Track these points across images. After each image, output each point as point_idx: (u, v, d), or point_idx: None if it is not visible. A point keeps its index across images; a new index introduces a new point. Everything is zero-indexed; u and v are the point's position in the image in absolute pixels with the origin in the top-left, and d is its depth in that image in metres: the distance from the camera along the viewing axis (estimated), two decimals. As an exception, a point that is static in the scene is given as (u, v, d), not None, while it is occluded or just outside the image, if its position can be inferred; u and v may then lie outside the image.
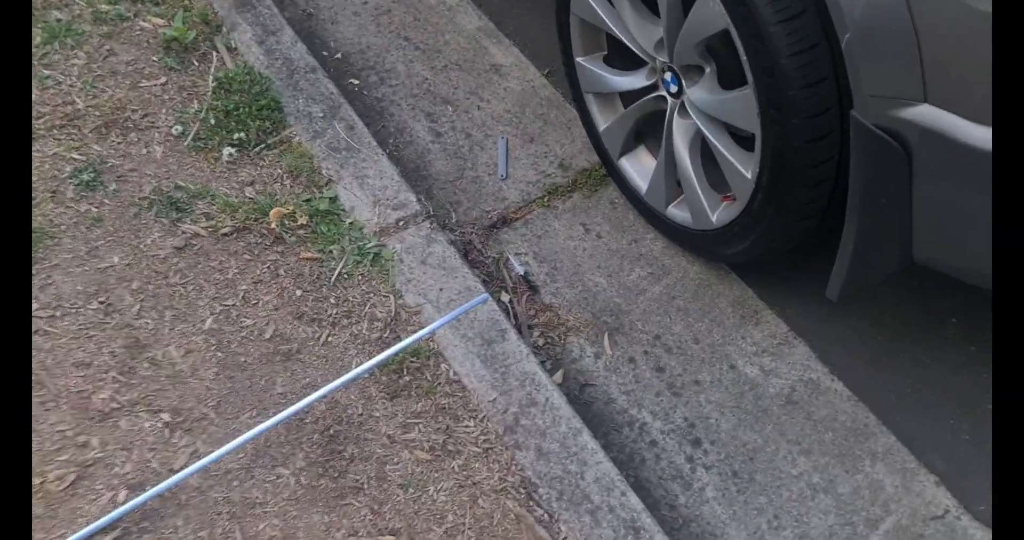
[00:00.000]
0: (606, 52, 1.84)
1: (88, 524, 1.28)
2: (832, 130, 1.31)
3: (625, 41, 1.67)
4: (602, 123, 1.92)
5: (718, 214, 1.69)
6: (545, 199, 2.07)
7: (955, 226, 1.28)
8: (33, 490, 1.32)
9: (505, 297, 1.91)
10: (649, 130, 1.88)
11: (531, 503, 1.45)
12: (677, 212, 1.84)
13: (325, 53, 2.40)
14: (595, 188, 2.08)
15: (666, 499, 1.65)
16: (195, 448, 1.41)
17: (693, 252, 1.91)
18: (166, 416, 1.43)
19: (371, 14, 2.49)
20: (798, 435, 1.72)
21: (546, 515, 1.44)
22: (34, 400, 1.42)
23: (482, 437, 1.53)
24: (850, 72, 1.17)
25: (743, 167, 1.52)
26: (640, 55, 1.67)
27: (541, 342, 1.86)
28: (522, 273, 1.95)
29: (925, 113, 1.15)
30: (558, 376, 1.80)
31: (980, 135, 1.12)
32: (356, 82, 2.33)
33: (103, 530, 1.28)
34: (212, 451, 1.38)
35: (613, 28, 1.68)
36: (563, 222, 2.03)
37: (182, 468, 1.36)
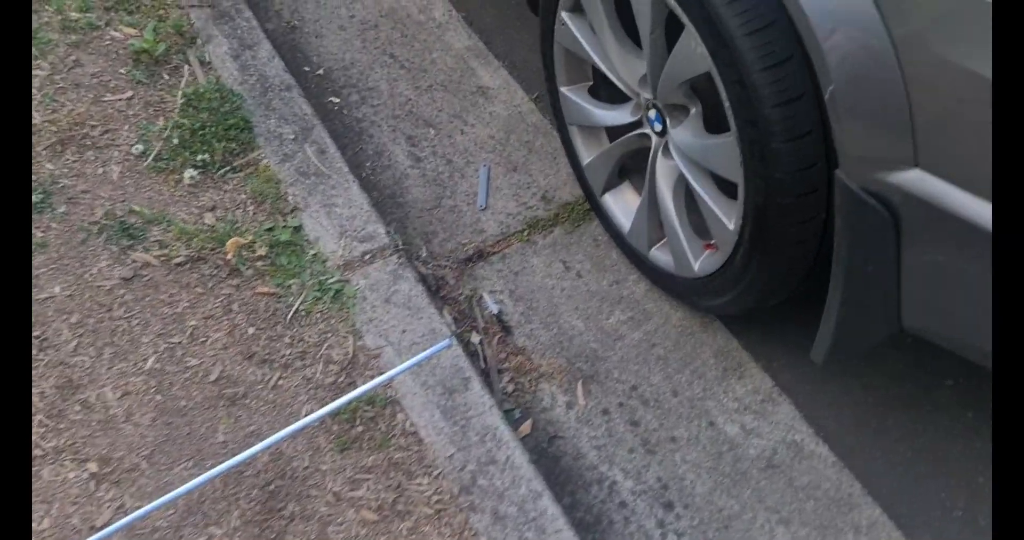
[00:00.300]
0: (591, 82, 1.75)
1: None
2: (818, 187, 1.22)
3: (609, 74, 1.59)
4: (586, 157, 1.83)
5: (700, 262, 1.60)
6: (525, 233, 1.98)
7: (947, 298, 1.18)
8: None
9: (476, 338, 1.82)
10: (634, 166, 1.79)
11: (482, 573, 1.36)
12: (660, 255, 1.75)
13: (307, 68, 2.32)
14: (578, 223, 1.99)
15: (633, 567, 1.56)
16: (122, 502, 1.32)
17: (676, 298, 1.82)
18: (93, 466, 1.35)
19: (357, 29, 2.41)
20: (778, 502, 1.62)
21: (497, 587, 1.35)
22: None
23: (435, 497, 1.44)
24: (834, 129, 1.08)
25: (726, 217, 1.43)
26: (624, 90, 1.59)
27: (511, 388, 1.77)
28: (495, 312, 1.86)
29: (916, 179, 1.05)
30: (526, 426, 1.71)
31: (976, 208, 1.02)
32: (337, 100, 2.25)
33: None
34: (140, 506, 1.30)
35: (597, 60, 1.59)
36: (542, 258, 1.94)
37: (105, 526, 1.28)
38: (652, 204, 1.66)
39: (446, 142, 2.14)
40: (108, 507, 1.32)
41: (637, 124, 1.63)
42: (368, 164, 2.11)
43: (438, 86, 2.26)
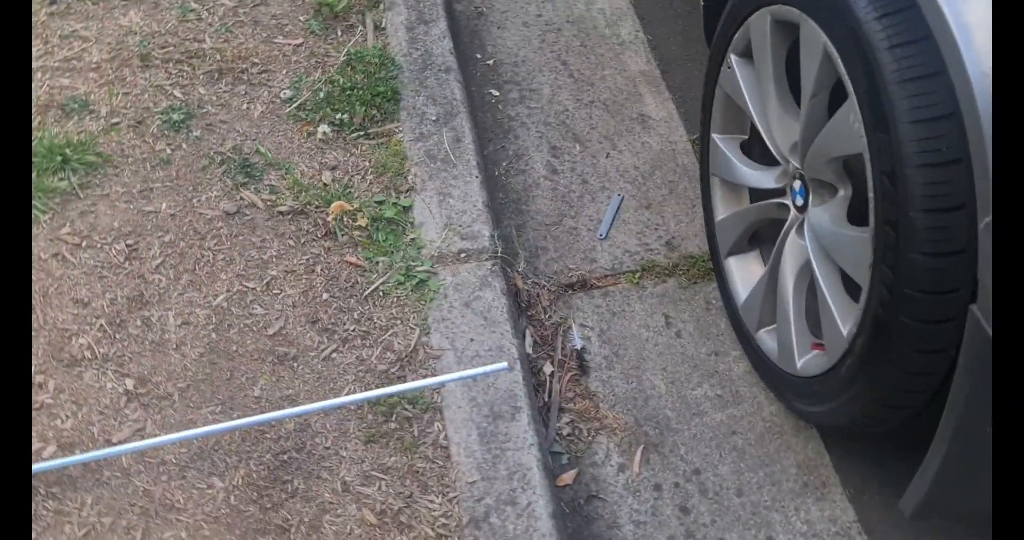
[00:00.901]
0: (746, 137, 1.64)
1: None
2: (953, 318, 1.07)
3: (762, 132, 1.47)
4: (720, 213, 1.71)
5: (804, 361, 1.45)
6: (637, 275, 1.89)
7: None
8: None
9: (548, 368, 1.75)
10: (767, 237, 1.66)
11: (460, 614, 1.30)
12: (767, 339, 1.61)
13: (479, 56, 2.32)
14: (695, 280, 1.87)
15: None
16: (143, 425, 1.35)
17: (772, 391, 1.67)
18: (130, 383, 1.39)
19: (540, 28, 2.39)
20: None
21: (470, 634, 1.28)
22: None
23: (442, 520, 1.38)
24: (980, 260, 0.94)
25: (841, 319, 1.28)
26: (774, 152, 1.47)
27: (567, 431, 1.68)
28: (579, 347, 1.78)
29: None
30: (569, 476, 1.62)
31: None
32: (496, 93, 2.24)
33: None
34: (158, 435, 1.32)
35: (754, 113, 1.48)
36: (646, 306, 1.84)
37: (120, 443, 1.31)
38: (772, 282, 1.53)
39: (588, 161, 2.08)
40: (129, 427, 1.35)
41: (780, 192, 1.51)
42: (504, 163, 2.09)
43: (599, 103, 2.20)
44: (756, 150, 1.60)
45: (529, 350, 1.77)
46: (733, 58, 1.53)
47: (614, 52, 2.32)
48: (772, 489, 1.60)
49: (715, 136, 1.68)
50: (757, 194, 1.61)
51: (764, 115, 1.45)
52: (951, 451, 1.09)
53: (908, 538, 1.54)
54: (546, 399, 1.70)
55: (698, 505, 1.59)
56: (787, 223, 1.47)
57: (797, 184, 1.43)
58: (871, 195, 1.12)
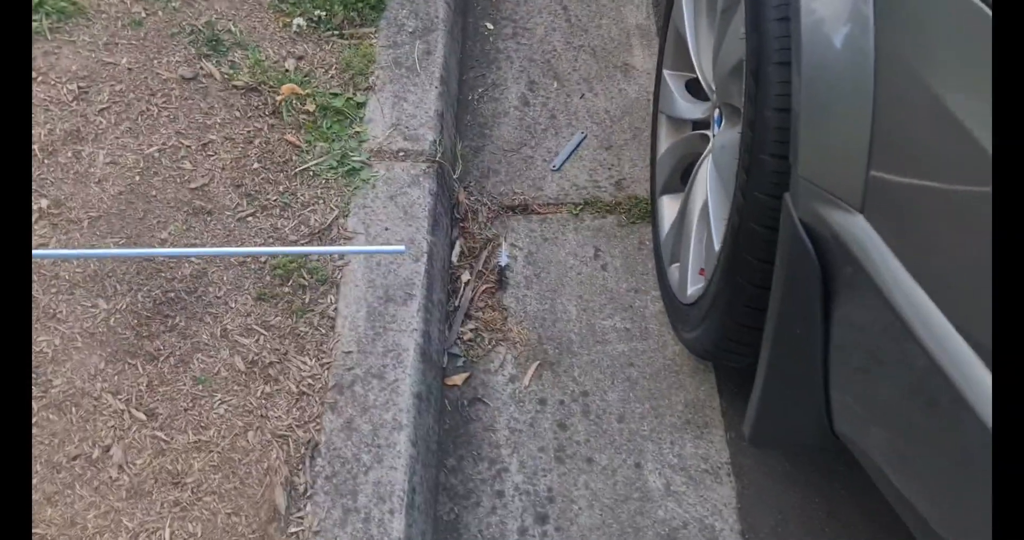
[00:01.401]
0: (693, 75, 1.64)
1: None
2: (791, 221, 1.07)
3: (694, 62, 1.48)
4: (660, 150, 1.73)
5: (692, 289, 1.46)
6: (579, 208, 1.90)
7: (870, 404, 0.99)
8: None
9: (466, 277, 1.79)
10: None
11: (299, 466, 1.34)
12: (674, 272, 1.61)
13: (485, -10, 2.37)
14: (634, 220, 1.88)
15: (467, 553, 1.47)
16: (47, 242, 1.43)
17: (670, 321, 1.67)
18: (45, 203, 1.47)
19: (550, -27, 2.42)
20: (652, 572, 1.46)
21: (303, 486, 1.32)
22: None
23: (308, 380, 1.43)
24: (792, 136, 0.93)
25: (717, 236, 1.29)
26: (703, 83, 1.47)
27: (469, 336, 1.72)
28: (503, 264, 1.81)
29: (855, 227, 0.89)
30: (459, 378, 1.66)
31: (904, 289, 0.84)
32: (491, 27, 2.28)
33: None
34: (58, 251, 1.41)
35: (689, 44, 1.49)
36: (580, 237, 1.86)
37: (19, 253, 1.40)
38: (682, 213, 1.54)
39: (562, 99, 2.11)
40: (35, 241, 1.44)
41: (706, 124, 1.52)
42: (480, 90, 2.12)
43: (588, 48, 2.22)
44: (698, 88, 1.61)
45: (454, 259, 1.81)
46: (684, -12, 1.54)
47: (616, 4, 2.34)
48: (654, 421, 1.60)
49: (665, 72, 1.70)
50: (694, 130, 1.62)
51: (696, 44, 1.46)
52: (771, 359, 1.09)
53: (776, 485, 1.53)
54: (456, 304, 1.74)
55: (577, 424, 1.60)
56: (704, 152, 1.48)
57: (716, 113, 1.43)
58: (744, 99, 1.13)
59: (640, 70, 2.17)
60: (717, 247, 1.27)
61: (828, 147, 0.90)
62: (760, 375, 1.14)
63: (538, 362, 1.67)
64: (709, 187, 1.36)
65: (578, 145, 2.01)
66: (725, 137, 1.33)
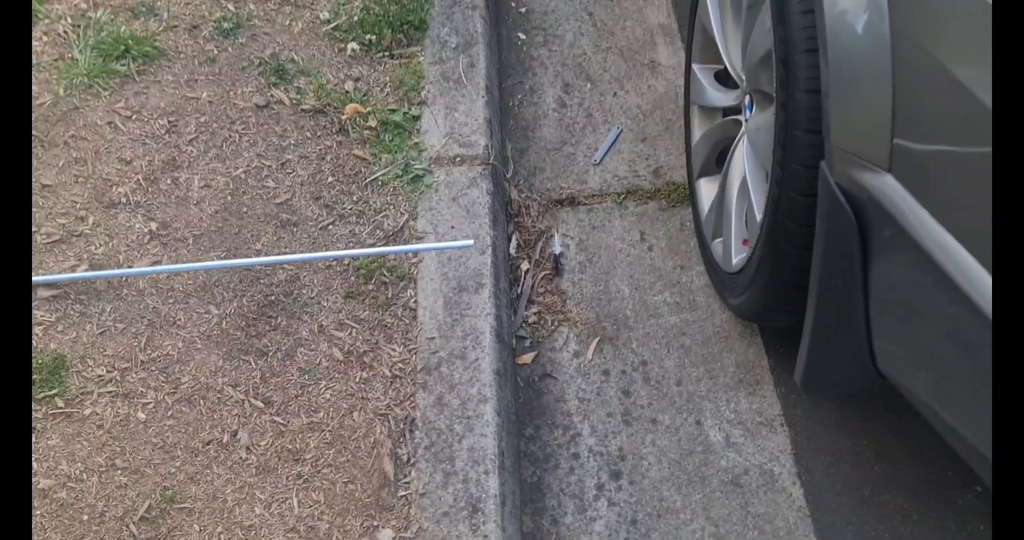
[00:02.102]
0: (721, 67, 1.78)
1: (43, 275, 1.53)
2: (826, 190, 1.20)
3: (722, 54, 1.62)
4: (695, 137, 1.87)
5: (737, 258, 1.60)
6: (622, 196, 2.06)
7: (912, 345, 1.12)
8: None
9: (525, 266, 1.94)
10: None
11: (400, 439, 1.50)
12: (717, 247, 1.76)
13: (513, 4, 2.52)
14: (674, 204, 2.03)
15: (553, 511, 1.62)
16: (160, 259, 1.61)
17: (716, 292, 1.82)
18: (154, 225, 1.65)
19: (573, -18, 2.57)
20: (722, 517, 1.59)
21: (406, 455, 1.48)
22: (71, 171, 1.71)
23: (400, 364, 1.59)
24: (824, 113, 1.07)
25: (758, 208, 1.43)
26: (732, 73, 1.62)
27: (533, 319, 1.87)
28: (557, 252, 1.96)
29: (886, 186, 1.02)
30: (528, 357, 1.81)
31: (935, 235, 0.98)
32: (523, 37, 2.43)
33: (48, 285, 1.53)
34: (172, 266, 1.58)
35: (717, 37, 1.63)
36: (625, 223, 2.01)
37: (137, 265, 1.57)
38: (722, 192, 1.68)
39: (596, 99, 2.26)
40: (149, 259, 1.61)
41: (737, 110, 1.65)
42: (519, 96, 2.28)
43: (615, 50, 2.37)
44: (726, 78, 1.75)
45: (512, 251, 1.96)
46: (706, -14, 1.69)
47: (637, 6, 2.49)
48: (709, 382, 1.75)
49: (695, 66, 1.84)
50: (725, 117, 1.76)
51: (724, 38, 1.60)
52: (818, 312, 1.22)
53: (827, 432, 1.66)
54: (519, 291, 1.89)
55: (639, 390, 1.75)
56: (738, 136, 1.62)
57: (747, 99, 1.57)
58: (775, 85, 1.27)
59: (666, 66, 2.32)
60: (759, 217, 1.41)
61: (857, 118, 1.04)
62: (807, 327, 1.28)
63: (598, 338, 1.82)
64: (747, 166, 1.50)
65: (615, 139, 2.16)
66: (758, 120, 1.47)
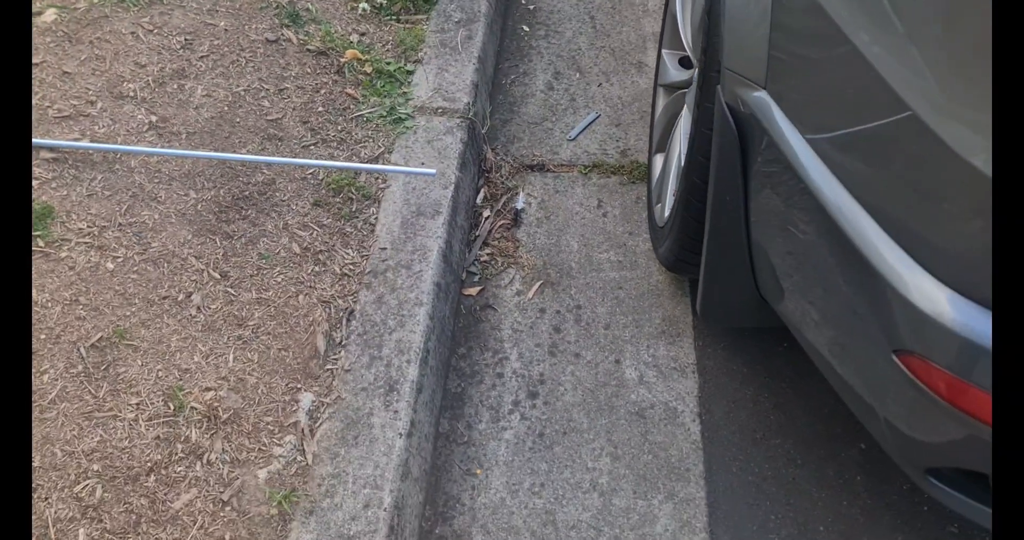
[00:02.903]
0: (685, 53, 1.98)
1: (41, 138, 1.73)
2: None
3: (681, 35, 1.82)
4: (657, 113, 2.05)
5: (667, 211, 1.76)
6: (587, 168, 2.24)
7: (778, 260, 1.27)
8: (32, 107, 1.81)
9: (486, 213, 2.12)
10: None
11: (337, 325, 1.65)
12: (658, 210, 1.92)
13: (523, 1, 2.76)
14: (634, 181, 2.20)
15: (469, 417, 1.75)
16: (155, 146, 1.81)
17: (652, 246, 1.97)
18: (155, 119, 1.86)
19: (582, -11, 2.81)
20: (621, 440, 1.72)
21: (339, 338, 1.63)
22: (91, 65, 1.92)
23: (350, 266, 1.76)
24: (719, 41, 1.25)
25: (684, 158, 1.60)
26: (689, 53, 1.81)
27: (485, 258, 2.03)
28: (519, 207, 2.14)
29: (759, 100, 1.19)
30: (474, 290, 1.97)
31: (796, 144, 1.14)
32: (527, 29, 2.66)
33: (51, 150, 1.73)
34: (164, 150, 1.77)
35: (678, 17, 1.83)
36: (586, 191, 2.18)
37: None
38: (665, 160, 1.85)
39: (582, 87, 2.46)
40: (146, 144, 1.81)
41: (689, 84, 1.84)
42: (512, 77, 2.49)
43: (608, 49, 2.58)
44: (689, 63, 1.95)
45: (479, 201, 2.14)
46: (675, -25, 1.89)
47: (636, 16, 2.71)
48: (634, 330, 1.89)
49: (664, 52, 2.04)
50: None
51: (683, 22, 1.80)
52: (711, 226, 1.38)
53: (733, 383, 1.80)
54: (477, 234, 2.06)
55: (570, 328, 1.90)
56: (685, 105, 1.80)
57: (695, 75, 1.76)
58: (703, 37, 1.45)
59: (652, 67, 2.53)
60: (684, 162, 1.58)
61: (742, 42, 1.21)
62: (704, 252, 1.43)
63: (541, 281, 1.98)
64: (682, 130, 1.67)
65: (592, 121, 2.35)
66: (693, 89, 1.66)
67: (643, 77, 2.50)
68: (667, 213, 1.74)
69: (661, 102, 2.07)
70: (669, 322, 1.92)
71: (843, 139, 1.11)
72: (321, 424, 1.52)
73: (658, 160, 2.06)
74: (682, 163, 1.61)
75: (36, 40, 1.98)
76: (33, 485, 1.38)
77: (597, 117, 2.38)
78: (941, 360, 0.99)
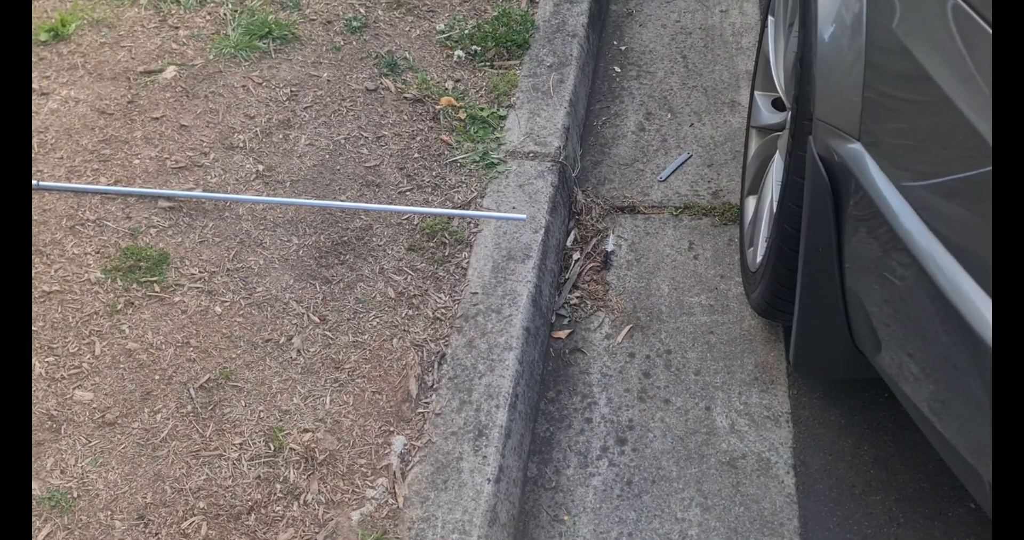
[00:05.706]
0: (779, 95, 1.97)
1: (164, 189, 1.86)
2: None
3: (774, 77, 1.81)
4: (749, 156, 2.05)
5: (760, 256, 1.75)
6: (679, 210, 2.24)
7: (875, 311, 1.25)
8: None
9: (576, 256, 2.14)
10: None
11: (429, 368, 1.71)
12: (750, 254, 1.91)
13: (615, 42, 2.80)
14: (727, 223, 2.19)
15: (557, 462, 1.77)
16: (260, 195, 1.91)
17: (745, 291, 1.95)
18: (262, 167, 1.97)
19: (674, 30, 2.83)
20: (712, 491, 1.71)
21: (431, 382, 1.68)
22: (206, 118, 2.05)
23: (442, 309, 1.81)
24: (812, 90, 1.25)
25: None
26: (781, 95, 1.80)
27: (575, 301, 2.06)
28: (609, 249, 2.16)
29: (853, 151, 1.18)
30: (564, 333, 2.00)
31: (889, 194, 1.13)
32: (618, 70, 2.70)
33: (169, 200, 1.85)
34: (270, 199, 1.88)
35: (771, 60, 1.83)
36: (677, 233, 2.19)
37: (240, 193, 1.88)
38: (758, 203, 1.84)
39: (673, 127, 2.47)
40: (251, 193, 1.92)
41: (783, 127, 1.83)
42: (603, 118, 2.53)
43: (700, 89, 2.59)
44: (783, 105, 1.94)
45: (568, 243, 2.17)
46: (769, 19, 1.89)
47: (729, 54, 2.71)
48: (726, 376, 1.88)
49: (756, 93, 2.04)
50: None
51: (776, 62, 1.80)
52: (804, 280, 1.37)
53: (830, 434, 1.76)
54: (567, 276, 2.09)
55: (659, 373, 1.90)
56: (777, 150, 1.79)
57: (789, 117, 1.76)
58: (795, 85, 1.45)
59: (744, 106, 2.52)
60: (774, 211, 1.57)
61: (835, 93, 1.21)
62: (797, 304, 1.42)
63: (631, 325, 1.99)
64: (774, 176, 1.67)
65: (683, 162, 2.36)
66: (785, 135, 1.65)
67: (736, 116, 2.49)
68: (759, 258, 1.73)
69: (753, 144, 2.06)
70: (762, 369, 1.89)
71: (935, 189, 1.09)
72: (412, 467, 1.57)
73: (750, 202, 2.05)
74: (774, 209, 1.60)
75: (157, 96, 2.14)
76: (143, 520, 1.48)
77: (689, 158, 2.38)
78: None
